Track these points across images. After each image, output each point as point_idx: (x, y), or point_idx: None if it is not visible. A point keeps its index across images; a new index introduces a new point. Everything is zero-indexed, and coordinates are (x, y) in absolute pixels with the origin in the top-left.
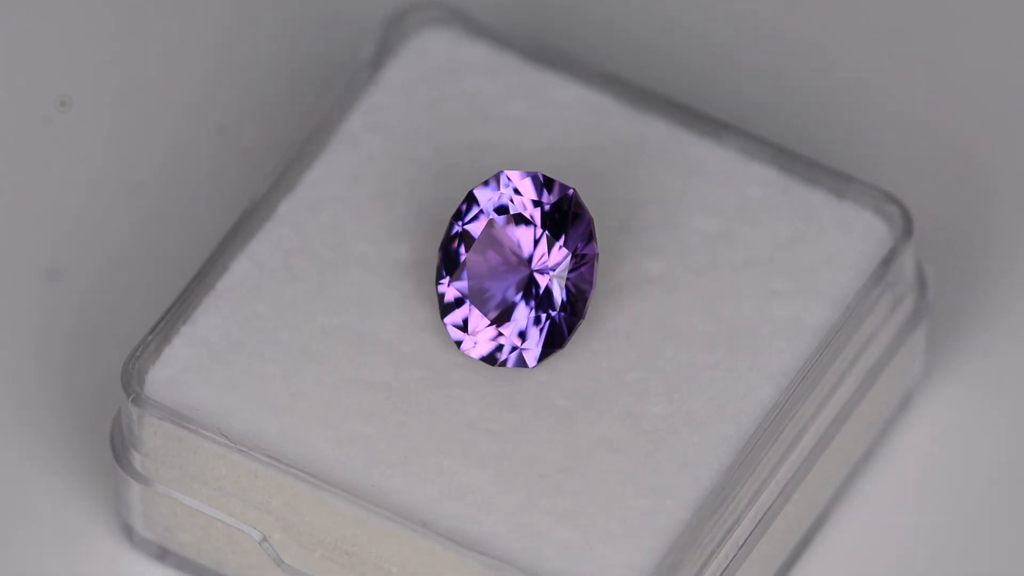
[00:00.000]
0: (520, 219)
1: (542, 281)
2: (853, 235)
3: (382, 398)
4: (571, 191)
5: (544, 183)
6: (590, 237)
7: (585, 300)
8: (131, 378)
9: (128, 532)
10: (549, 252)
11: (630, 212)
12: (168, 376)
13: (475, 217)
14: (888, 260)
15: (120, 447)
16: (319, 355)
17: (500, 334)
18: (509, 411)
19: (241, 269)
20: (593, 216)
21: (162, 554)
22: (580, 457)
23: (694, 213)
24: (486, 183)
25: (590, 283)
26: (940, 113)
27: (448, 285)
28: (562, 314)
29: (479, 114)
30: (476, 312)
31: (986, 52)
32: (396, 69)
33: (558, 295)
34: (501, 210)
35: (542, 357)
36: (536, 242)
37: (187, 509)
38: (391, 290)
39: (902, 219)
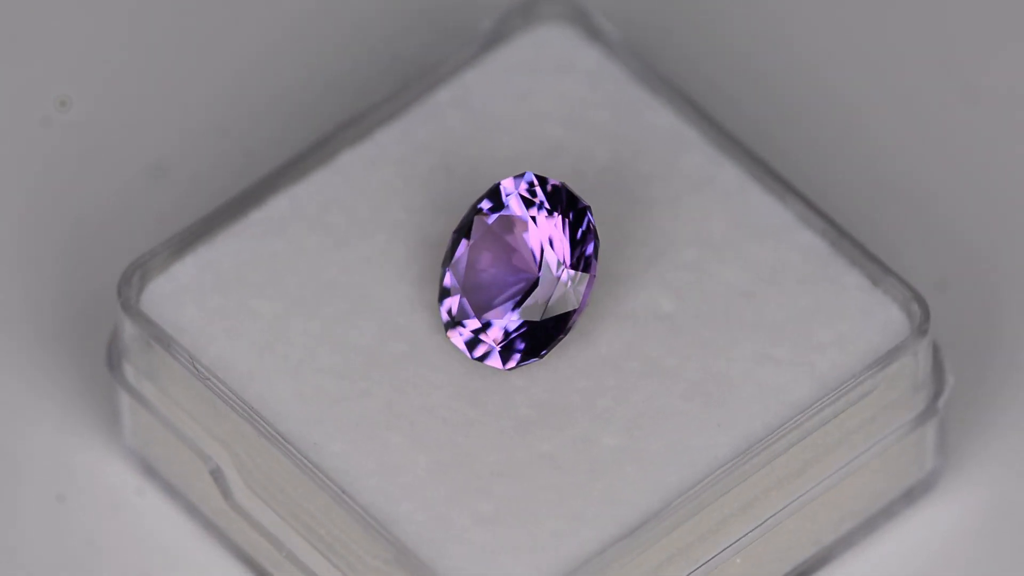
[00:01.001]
0: (523, 222)
1: (532, 288)
2: (871, 325)
3: (357, 362)
4: (589, 212)
5: (567, 197)
6: (592, 258)
7: (569, 317)
8: (130, 286)
9: (119, 442)
10: (548, 261)
11: (668, 246)
12: (167, 291)
13: (490, 209)
14: (894, 353)
15: (114, 355)
16: (314, 306)
17: (483, 330)
18: (471, 406)
19: (278, 206)
20: (630, 241)
21: (146, 469)
22: (519, 466)
23: (729, 264)
24: (514, 179)
25: (578, 303)
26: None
27: (446, 271)
28: (546, 325)
29: (564, 115)
30: (465, 304)
31: None
32: (504, 53)
33: (544, 306)
34: (497, 207)
35: (520, 362)
36: (540, 251)
37: (164, 427)
38: (410, 262)
39: (920, 317)
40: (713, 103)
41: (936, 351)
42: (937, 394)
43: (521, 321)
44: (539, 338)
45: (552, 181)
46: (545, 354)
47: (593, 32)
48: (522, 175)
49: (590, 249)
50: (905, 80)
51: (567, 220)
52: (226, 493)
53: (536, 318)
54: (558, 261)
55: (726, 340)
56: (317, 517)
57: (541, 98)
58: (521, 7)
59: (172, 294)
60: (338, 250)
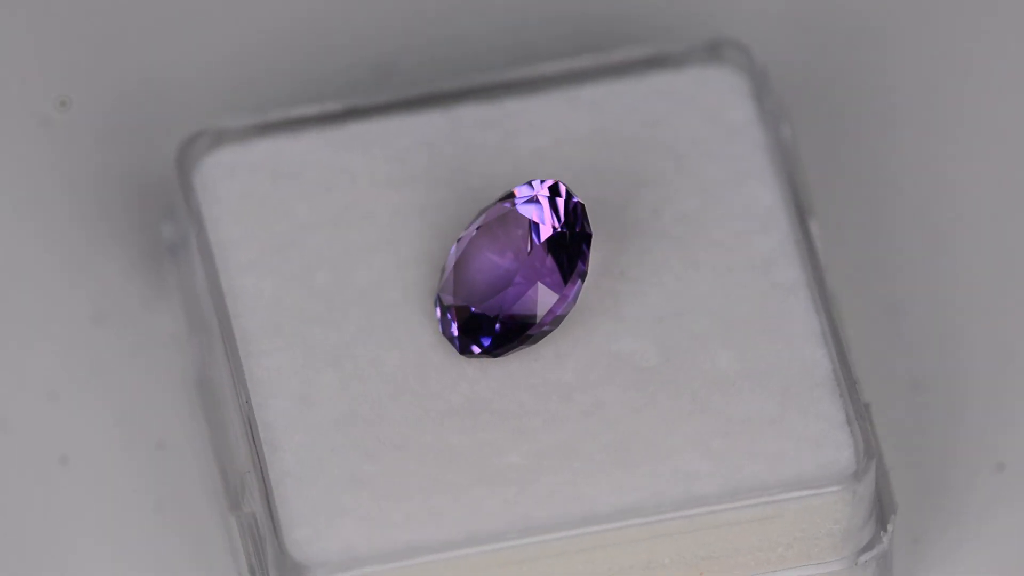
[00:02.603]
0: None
1: (506, 286)
2: (818, 456)
3: (341, 295)
4: (588, 240)
5: (582, 217)
6: (576, 279)
7: (528, 327)
8: (193, 145)
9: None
10: (533, 265)
11: (676, 308)
12: (227, 163)
13: (511, 201)
14: (821, 492)
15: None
16: (341, 231)
17: (453, 310)
18: (413, 377)
19: (377, 128)
20: (643, 285)
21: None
22: (419, 448)
23: (729, 347)
24: (542, 182)
25: (540, 314)
26: None
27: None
28: (509, 327)
29: (680, 154)
30: (449, 280)
31: None
32: (663, 77)
33: (510, 306)
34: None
35: (477, 355)
36: (527, 254)
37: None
38: (452, 225)
39: (860, 469)
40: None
41: (880, 505)
42: (869, 546)
43: (484, 315)
44: (501, 337)
45: (576, 198)
46: (500, 354)
47: (759, 90)
48: (554, 183)
49: (578, 271)
50: None
51: (566, 235)
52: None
53: (494, 314)
54: (543, 269)
55: (676, 414)
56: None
57: (669, 130)
58: (708, 43)
59: (229, 167)
60: (395, 191)
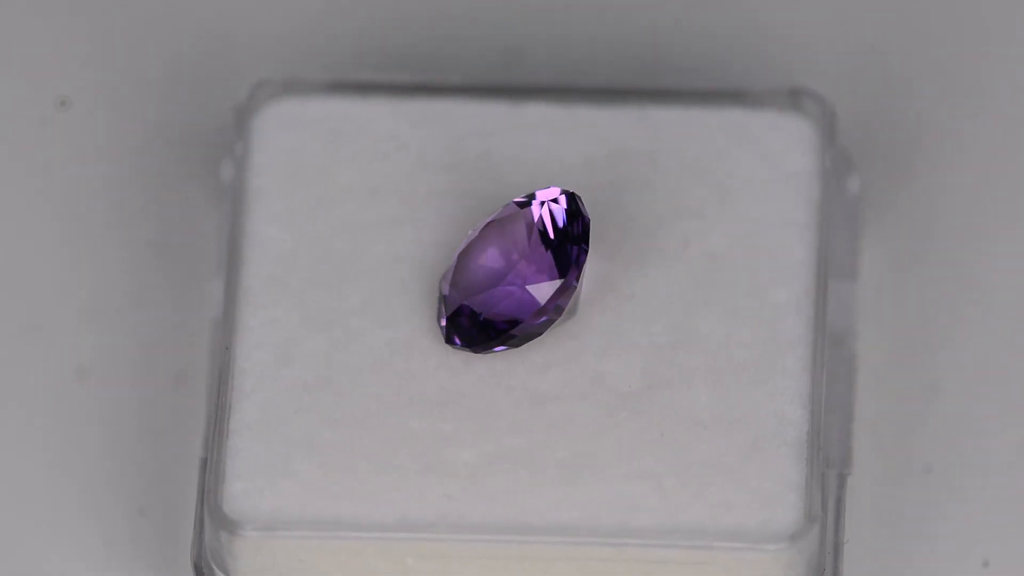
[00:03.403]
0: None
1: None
2: (764, 511)
3: (348, 264)
4: (583, 256)
5: (584, 233)
6: (564, 291)
7: (507, 329)
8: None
9: None
10: (523, 270)
11: (667, 343)
12: (290, 114)
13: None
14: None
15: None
16: (373, 203)
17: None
18: (395, 355)
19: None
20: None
21: None
22: (380, 419)
23: (707, 388)
24: (564, 192)
25: (516, 317)
26: None
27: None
28: (488, 326)
29: (723, 187)
30: (449, 271)
31: None
32: (735, 114)
33: (502, 311)
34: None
35: (459, 347)
36: (518, 258)
37: None
38: (464, 228)
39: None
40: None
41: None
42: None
43: (471, 309)
44: (482, 334)
45: (585, 214)
46: (480, 351)
47: (825, 144)
48: (571, 194)
49: (575, 282)
50: None
51: (563, 246)
52: None
53: (479, 310)
54: (532, 277)
55: (639, 443)
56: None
57: (724, 165)
58: (788, 90)
59: (288, 118)
60: (440, 173)
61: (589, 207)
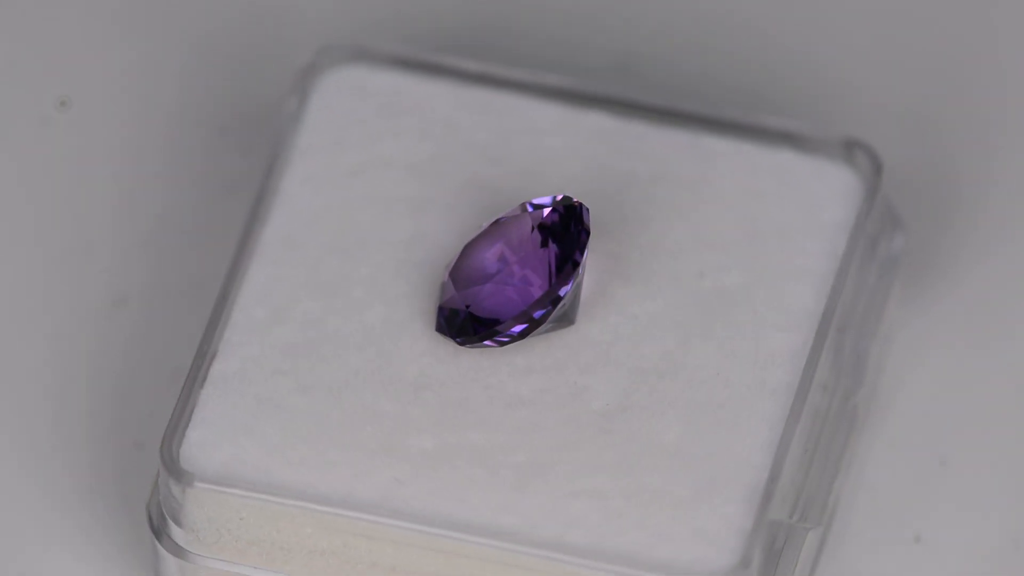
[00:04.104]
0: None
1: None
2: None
3: (367, 243)
4: (580, 266)
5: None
6: (549, 303)
7: (488, 327)
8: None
9: None
10: (514, 269)
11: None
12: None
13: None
14: None
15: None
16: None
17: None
18: (388, 336)
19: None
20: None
21: None
22: (353, 393)
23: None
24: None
25: (498, 318)
26: None
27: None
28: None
29: (745, 224)
30: (451, 263)
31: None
32: (784, 156)
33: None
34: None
35: (445, 334)
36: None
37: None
38: (477, 219)
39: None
40: None
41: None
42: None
43: (460, 301)
44: (466, 328)
45: (585, 228)
46: (463, 343)
47: (870, 199)
48: (579, 204)
49: (562, 292)
50: None
51: (557, 256)
52: None
53: (465, 304)
54: (519, 283)
55: (597, 462)
56: None
57: (763, 205)
58: (842, 140)
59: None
60: (484, 164)
61: (617, 224)
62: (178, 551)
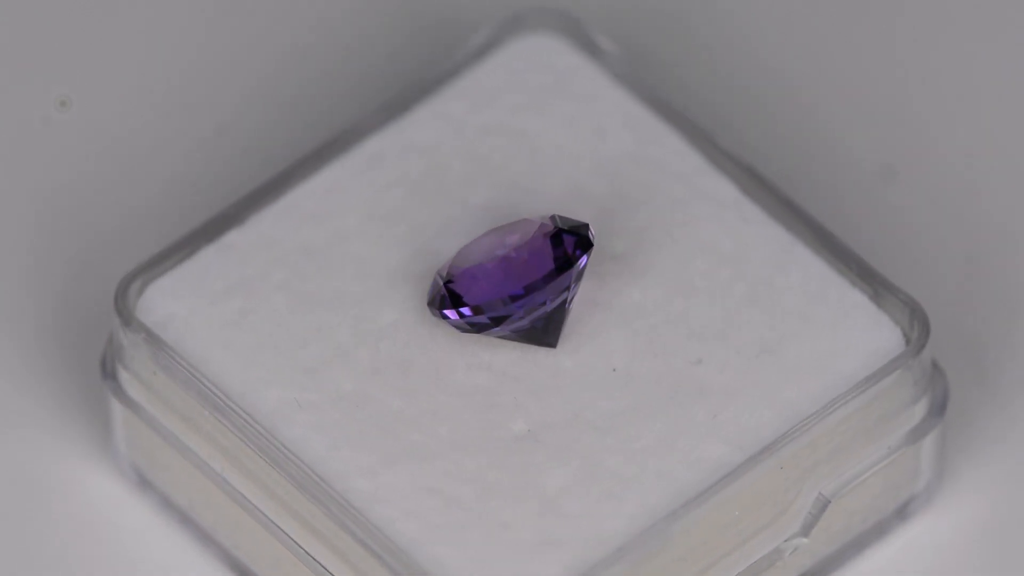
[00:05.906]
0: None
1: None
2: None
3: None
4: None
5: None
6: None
7: (481, 325)
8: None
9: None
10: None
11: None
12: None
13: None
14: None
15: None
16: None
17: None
18: (387, 299)
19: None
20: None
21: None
22: (346, 349)
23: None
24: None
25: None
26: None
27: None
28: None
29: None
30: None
31: None
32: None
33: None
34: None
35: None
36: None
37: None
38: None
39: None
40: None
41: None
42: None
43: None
44: (452, 302)
45: (587, 247)
46: (437, 313)
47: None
48: (585, 225)
49: (540, 301)
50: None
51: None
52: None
53: (454, 277)
54: (510, 287)
55: (524, 482)
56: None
57: (803, 329)
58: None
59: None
60: (577, 166)
61: (652, 288)
62: (118, 392)
